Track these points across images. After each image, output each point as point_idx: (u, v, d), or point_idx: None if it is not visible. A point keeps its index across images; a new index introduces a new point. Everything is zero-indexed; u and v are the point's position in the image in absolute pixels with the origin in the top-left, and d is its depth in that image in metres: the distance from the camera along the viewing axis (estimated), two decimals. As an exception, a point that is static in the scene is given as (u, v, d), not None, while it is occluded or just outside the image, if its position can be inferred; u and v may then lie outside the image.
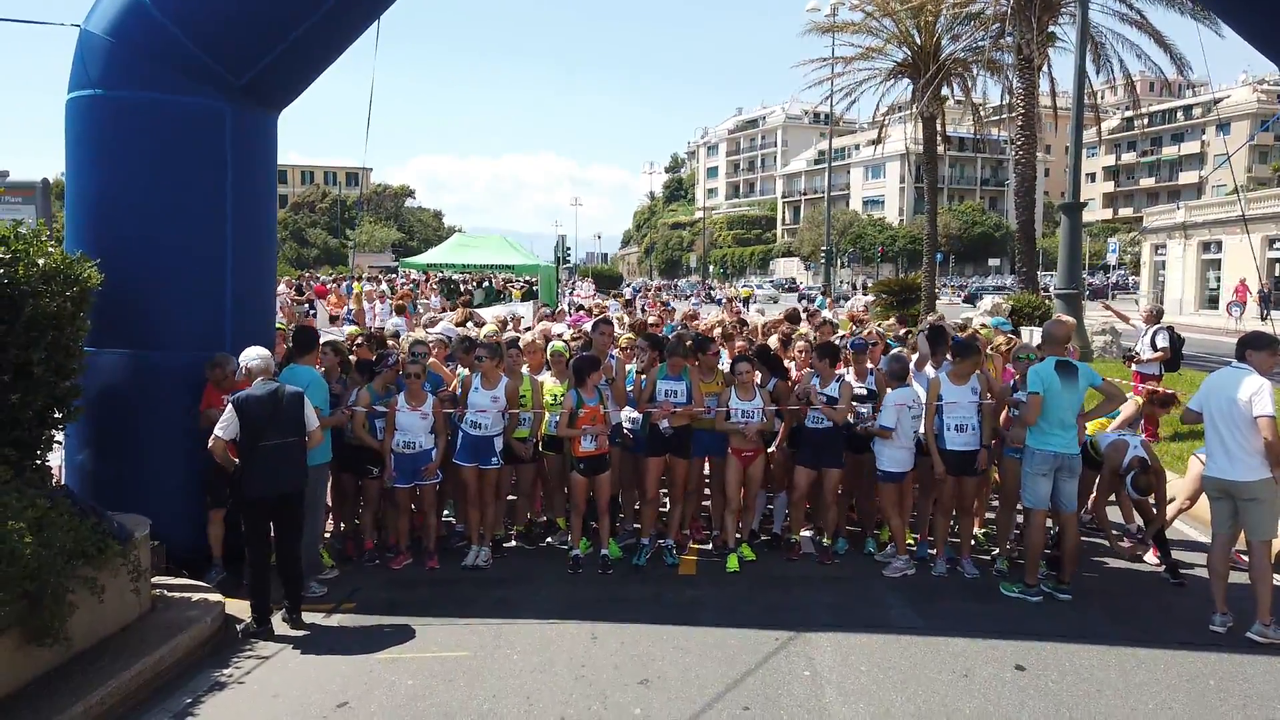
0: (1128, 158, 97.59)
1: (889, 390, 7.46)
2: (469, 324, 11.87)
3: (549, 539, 8.33)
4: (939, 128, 33.70)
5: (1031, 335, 14.48)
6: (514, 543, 8.27)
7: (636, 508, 8.25)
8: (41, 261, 5.89)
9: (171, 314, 7.03)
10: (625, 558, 7.75)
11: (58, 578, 5.06)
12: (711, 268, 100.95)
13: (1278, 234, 36.57)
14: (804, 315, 12.47)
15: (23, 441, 5.91)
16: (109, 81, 6.95)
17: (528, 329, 11.10)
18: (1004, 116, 34.47)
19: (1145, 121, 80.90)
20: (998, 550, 7.75)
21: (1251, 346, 6.29)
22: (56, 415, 6.24)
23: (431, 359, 8.14)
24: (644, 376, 7.92)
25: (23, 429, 5.92)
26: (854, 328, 11.95)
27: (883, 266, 79.32)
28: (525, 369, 8.06)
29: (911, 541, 7.87)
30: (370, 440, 7.44)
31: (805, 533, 8.07)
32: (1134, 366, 12.42)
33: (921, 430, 7.45)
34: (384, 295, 24.71)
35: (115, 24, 6.89)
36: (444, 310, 18.28)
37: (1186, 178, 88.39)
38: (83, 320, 6.22)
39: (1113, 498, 8.04)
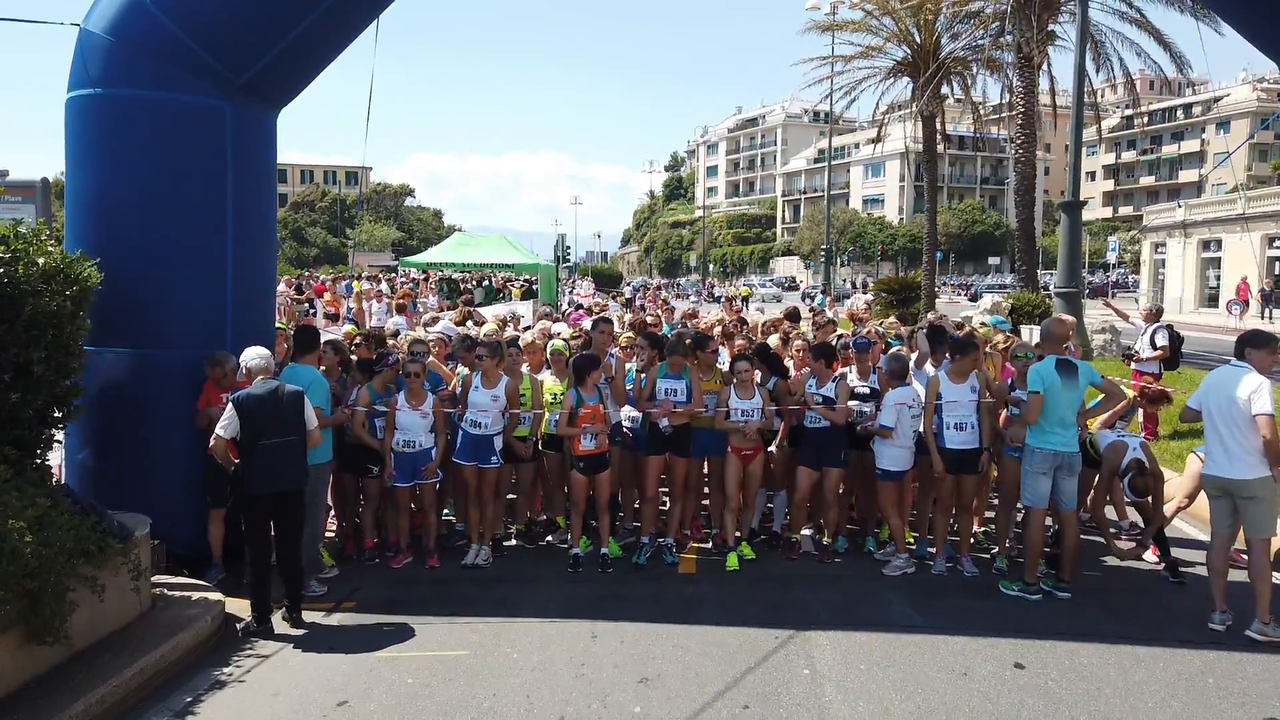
0: (1128, 156, 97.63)
1: (889, 389, 7.46)
2: (469, 323, 11.87)
3: (549, 538, 8.33)
4: (939, 126, 33.71)
5: (1031, 334, 14.48)
6: (514, 541, 8.28)
7: (636, 506, 8.26)
8: (41, 261, 5.89)
9: (172, 313, 7.03)
10: (625, 556, 7.75)
11: (58, 576, 5.07)
12: (711, 267, 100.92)
13: (1277, 232, 36.58)
14: (810, 314, 12.49)
15: (23, 440, 5.91)
16: (109, 80, 6.95)
17: (527, 328, 11.10)
18: (1004, 115, 34.48)
19: (1145, 120, 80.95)
20: (997, 549, 7.76)
21: (1251, 345, 6.30)
22: (57, 414, 6.24)
23: (431, 358, 8.15)
24: (643, 375, 7.92)
25: (23, 428, 5.92)
26: (854, 327, 11.95)
27: (882, 265, 79.31)
28: (525, 368, 8.07)
29: (911, 540, 7.88)
30: (370, 439, 7.45)
31: (805, 531, 8.07)
32: (1133, 365, 12.42)
33: (921, 429, 7.45)
34: (381, 294, 24.71)
35: (115, 23, 6.89)
36: (442, 309, 18.28)
37: (1186, 176, 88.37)
38: (83, 319, 6.23)
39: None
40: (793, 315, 11.24)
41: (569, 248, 53.69)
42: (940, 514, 7.60)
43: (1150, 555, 7.66)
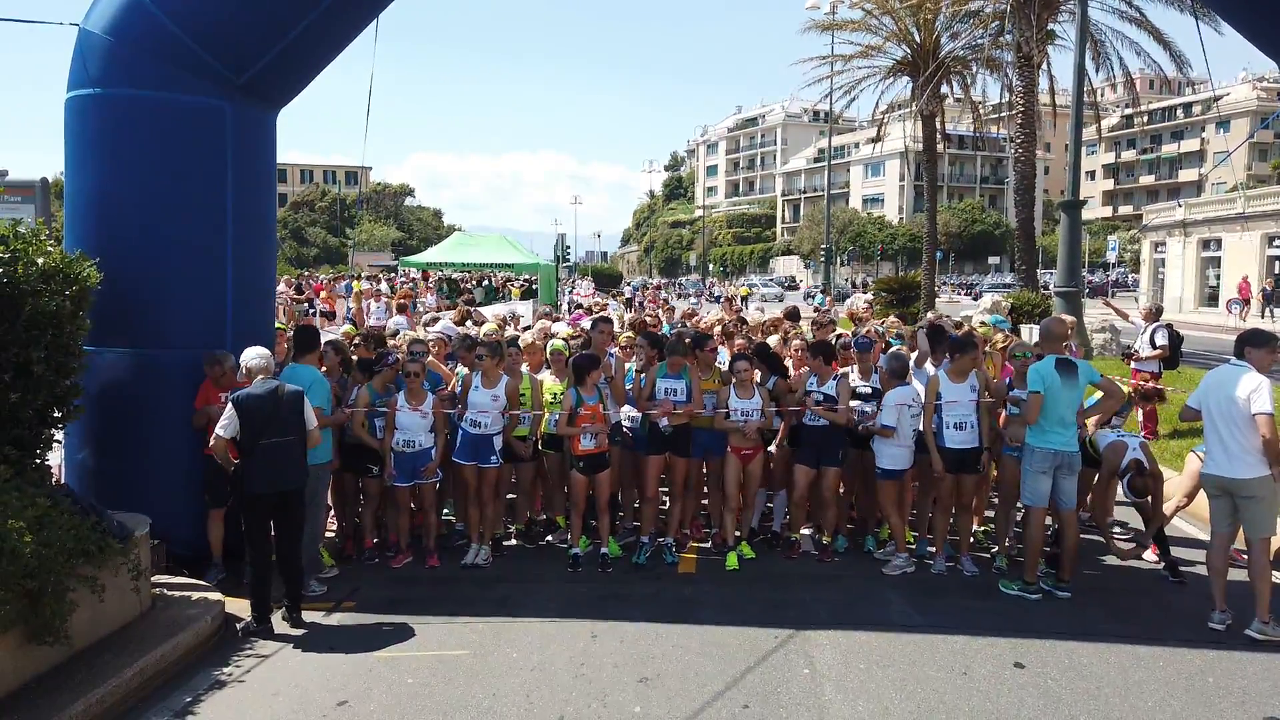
0: (1127, 155, 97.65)
1: (889, 389, 7.46)
2: (468, 323, 11.87)
3: (549, 537, 8.33)
4: (938, 126, 33.72)
5: (1031, 333, 14.48)
6: (514, 541, 8.28)
7: (636, 506, 8.26)
8: (41, 261, 5.89)
9: (172, 312, 7.03)
10: (625, 556, 7.75)
11: (58, 576, 5.07)
12: (711, 266, 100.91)
13: (1277, 231, 36.58)
14: (814, 313, 12.49)
15: (23, 440, 5.92)
16: (108, 80, 6.95)
17: (526, 328, 11.10)
18: (1003, 114, 34.52)
19: (1145, 119, 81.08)
20: (997, 548, 7.76)
21: (1250, 344, 6.30)
22: (56, 414, 6.24)
23: (431, 358, 8.15)
24: (643, 375, 7.92)
25: (23, 428, 5.92)
26: (854, 326, 11.96)
27: (882, 265, 79.30)
28: (525, 368, 8.07)
29: (911, 539, 7.88)
30: (370, 439, 7.45)
31: (804, 531, 8.07)
32: (1133, 364, 12.42)
33: (920, 428, 7.45)
34: (380, 294, 24.72)
35: (115, 22, 6.89)
36: (440, 309, 18.30)
37: (1186, 175, 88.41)
38: (82, 319, 6.23)
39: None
40: (792, 315, 11.24)
41: (569, 247, 53.72)
42: (940, 513, 7.60)
43: (1150, 555, 7.66)
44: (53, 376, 5.99)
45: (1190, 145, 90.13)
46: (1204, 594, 6.47)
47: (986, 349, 8.72)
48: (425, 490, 7.66)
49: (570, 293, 37.43)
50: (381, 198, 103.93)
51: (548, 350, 8.20)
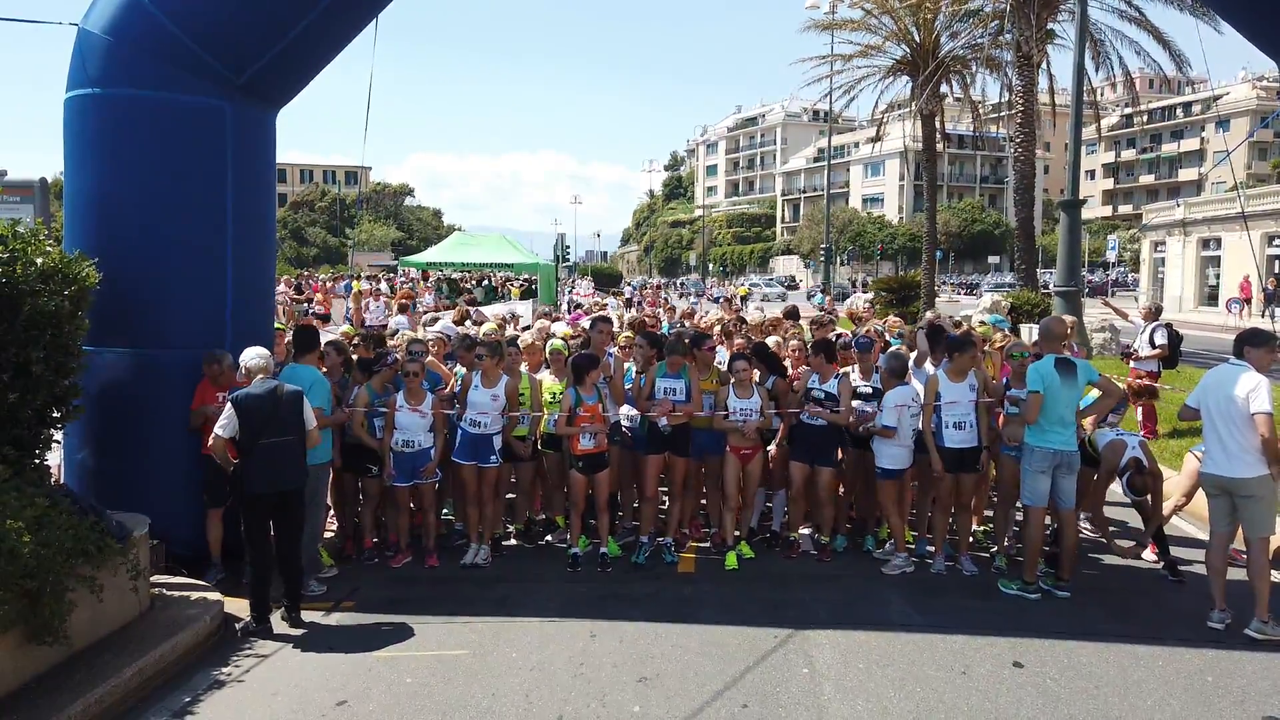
0: (1127, 155, 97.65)
1: (889, 390, 7.46)
2: (467, 322, 11.87)
3: (548, 537, 8.34)
4: (938, 125, 33.72)
5: (1031, 333, 14.48)
6: (513, 541, 8.28)
7: (635, 506, 8.26)
8: (39, 261, 5.89)
9: (172, 312, 7.03)
10: (624, 556, 7.75)
11: (57, 576, 5.07)
12: (711, 266, 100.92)
13: (1277, 231, 36.57)
14: (820, 312, 12.49)
15: (22, 440, 5.92)
16: (108, 80, 6.95)
17: (526, 328, 11.10)
18: (1003, 114, 34.52)
19: (1145, 118, 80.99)
20: (996, 548, 7.76)
21: (1249, 343, 6.30)
22: (55, 414, 6.24)
23: (431, 357, 8.15)
24: (642, 375, 7.92)
25: (22, 428, 5.92)
26: (854, 326, 11.96)
27: (882, 264, 79.30)
28: (524, 367, 8.07)
29: (910, 539, 7.88)
30: (369, 439, 7.45)
31: (803, 530, 8.07)
32: (1132, 363, 12.42)
33: (919, 428, 7.45)
34: (380, 294, 24.74)
35: (114, 22, 6.89)
36: (438, 309, 18.31)
37: (1186, 174, 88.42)
38: (81, 319, 6.22)
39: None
40: (791, 313, 11.24)
41: (568, 247, 53.74)
42: (939, 513, 7.60)
43: (1149, 554, 7.67)
44: (52, 376, 5.99)
45: (1190, 144, 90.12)
46: (1203, 593, 6.47)
47: (985, 349, 8.72)
48: (424, 490, 7.65)
49: (570, 292, 37.44)
50: (381, 198, 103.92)
51: (547, 350, 8.20)
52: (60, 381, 6.12)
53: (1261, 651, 5.87)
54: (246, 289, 7.42)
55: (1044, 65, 27.44)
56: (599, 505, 7.57)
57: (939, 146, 34.79)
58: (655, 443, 7.61)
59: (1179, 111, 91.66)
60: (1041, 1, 25.06)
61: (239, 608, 6.35)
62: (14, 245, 5.83)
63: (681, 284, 76.82)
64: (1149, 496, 7.38)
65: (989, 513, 8.37)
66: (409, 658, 5.85)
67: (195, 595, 6.45)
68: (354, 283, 31.25)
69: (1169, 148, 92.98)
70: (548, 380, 7.97)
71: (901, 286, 29.59)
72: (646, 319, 12.05)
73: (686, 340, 7.91)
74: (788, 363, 8.52)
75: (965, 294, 57.29)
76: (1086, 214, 61.41)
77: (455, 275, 32.41)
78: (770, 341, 8.91)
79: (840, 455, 7.95)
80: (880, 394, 7.58)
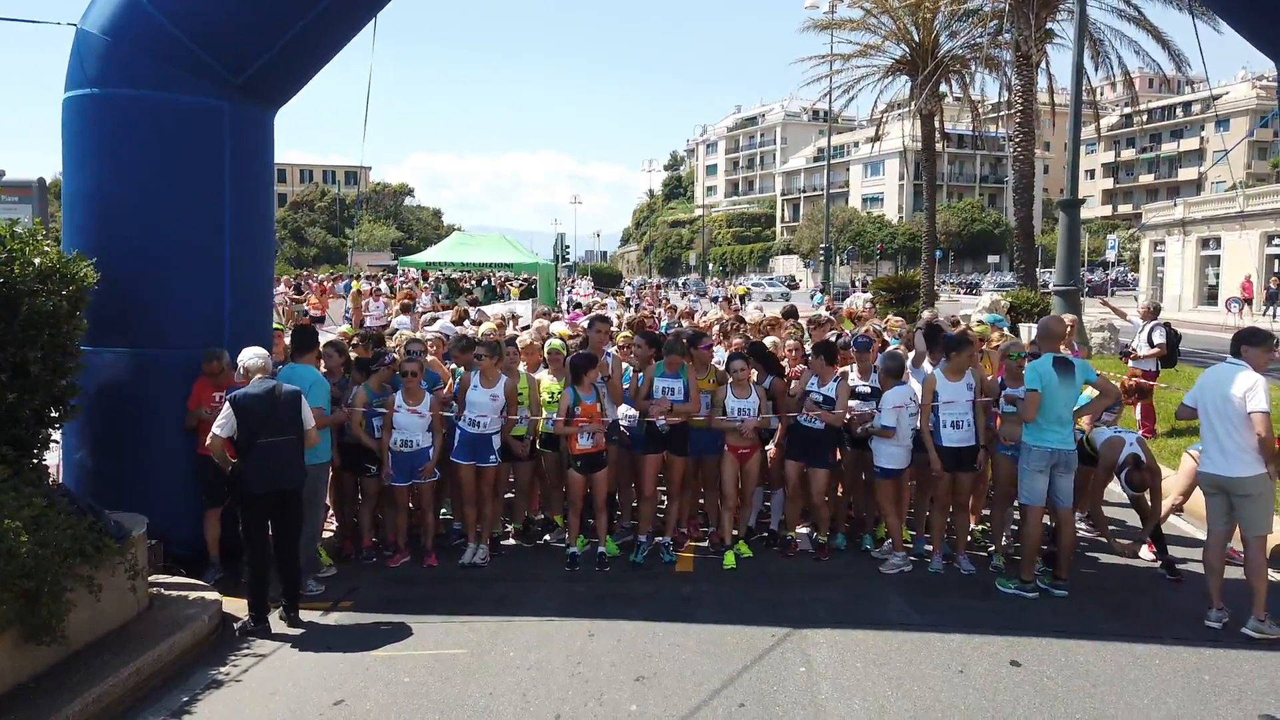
0: (1127, 154, 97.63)
1: (887, 390, 7.46)
2: (466, 322, 11.88)
3: (546, 537, 8.34)
4: (937, 125, 33.73)
5: (1030, 332, 14.48)
6: (511, 540, 8.28)
7: (634, 505, 8.27)
8: (38, 261, 5.89)
9: (170, 312, 7.03)
10: (623, 555, 7.76)
11: (55, 576, 5.07)
12: (711, 266, 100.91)
13: (1276, 230, 36.57)
14: (826, 311, 12.47)
15: (20, 440, 5.92)
16: (106, 80, 6.95)
17: (525, 328, 11.11)
18: (1002, 113, 34.52)
19: (1144, 118, 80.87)
20: (994, 547, 7.76)
21: (1247, 342, 6.30)
22: (54, 414, 6.25)
23: (431, 357, 8.15)
24: (640, 374, 7.92)
25: (20, 428, 5.93)
26: (854, 326, 11.95)
27: (882, 264, 79.29)
28: (522, 367, 8.07)
29: (908, 538, 7.88)
30: (367, 439, 7.45)
31: (801, 530, 8.08)
32: (1131, 363, 12.43)
33: (918, 427, 7.45)
34: (380, 294, 24.75)
35: (112, 22, 6.89)
36: (436, 309, 18.31)
37: (1186, 174, 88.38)
38: (79, 319, 6.23)
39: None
40: (790, 313, 11.24)
41: (568, 247, 53.73)
42: (937, 512, 7.60)
43: (1147, 553, 7.67)
44: (50, 376, 6.00)
45: (1190, 144, 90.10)
46: (1200, 592, 6.48)
47: (984, 348, 8.72)
48: (423, 489, 7.66)
49: (570, 292, 37.45)
50: (381, 198, 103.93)
51: (545, 350, 8.21)
52: (58, 381, 6.13)
53: (1258, 650, 5.88)
54: (245, 289, 7.42)
55: (1043, 65, 27.45)
56: (597, 505, 7.58)
57: (938, 146, 34.80)
58: (653, 442, 7.62)
59: (1178, 111, 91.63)
60: (1040, 1, 25.06)
61: (237, 607, 6.36)
62: (12, 245, 5.84)
63: (684, 283, 76.71)
64: (1147, 493, 7.38)
65: (986, 512, 8.38)
66: (407, 657, 5.85)
67: (193, 595, 6.45)
68: (353, 283, 31.26)
69: (1169, 147, 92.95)
70: (546, 380, 7.97)
71: (901, 286, 29.55)
72: (645, 318, 12.05)
73: (684, 340, 7.91)
74: (785, 363, 8.52)
75: (965, 293, 57.28)
76: (1086, 213, 61.43)
77: (455, 275, 32.42)
78: (768, 341, 8.92)
79: (839, 455, 7.95)
80: (878, 394, 7.59)
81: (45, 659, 5.21)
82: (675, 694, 5.33)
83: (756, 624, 6.29)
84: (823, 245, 49.41)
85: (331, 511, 8.08)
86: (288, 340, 7.92)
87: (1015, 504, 7.39)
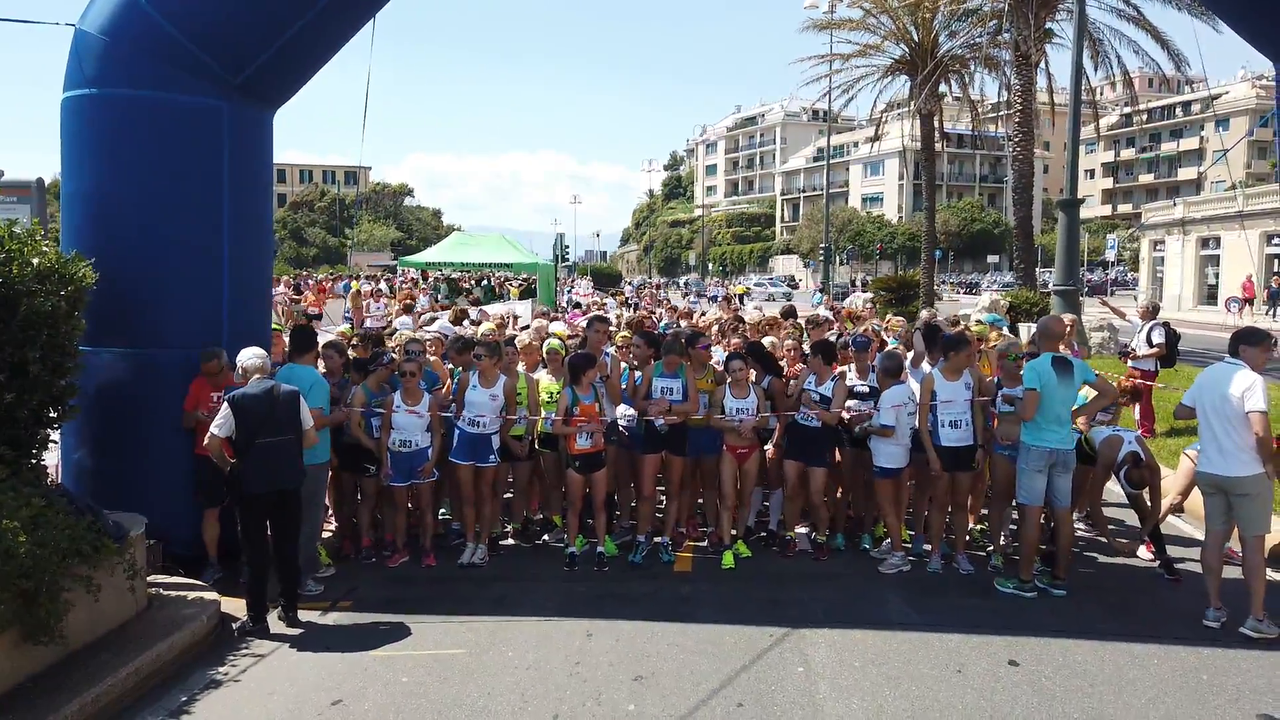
0: (1127, 154, 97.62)
1: (885, 389, 7.46)
2: (465, 322, 11.88)
3: (545, 537, 8.34)
4: (937, 124, 33.71)
5: (1030, 332, 14.48)
6: (510, 540, 8.28)
7: (633, 505, 8.27)
8: (36, 261, 5.90)
9: (169, 312, 7.04)
10: (621, 555, 7.76)
11: (53, 576, 5.08)
12: (710, 265, 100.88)
13: (1276, 230, 36.57)
14: (829, 310, 12.44)
15: (19, 440, 5.93)
16: (104, 80, 6.95)
17: (525, 328, 11.11)
18: (1002, 113, 34.51)
19: (1144, 117, 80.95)
20: (993, 546, 7.76)
21: (1245, 342, 6.30)
22: (52, 414, 6.25)
23: (432, 357, 8.15)
24: (639, 374, 7.93)
25: (19, 428, 5.93)
26: (853, 325, 11.96)
27: (881, 263, 79.29)
28: (521, 367, 8.07)
29: (907, 538, 7.88)
30: (365, 439, 7.45)
31: (800, 530, 8.08)
32: (1130, 363, 12.44)
33: (916, 426, 7.45)
34: (380, 294, 24.75)
35: (110, 23, 6.90)
36: (434, 309, 18.31)
37: (1186, 174, 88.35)
38: (78, 319, 6.23)
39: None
40: (788, 312, 11.24)
41: (568, 247, 53.71)
42: (936, 511, 7.61)
43: (1145, 552, 7.67)
44: (48, 376, 6.00)
45: (1190, 143, 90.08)
46: (1199, 592, 6.48)
47: (982, 348, 8.72)
48: (422, 489, 7.66)
49: (570, 292, 37.45)
50: (380, 198, 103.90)
51: (544, 349, 8.21)
52: (57, 381, 6.13)
53: (1256, 650, 5.88)
54: (243, 289, 7.43)
55: (1043, 64, 27.46)
56: (596, 505, 7.58)
57: (938, 146, 34.78)
58: (652, 442, 7.62)
59: (1178, 110, 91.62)
60: (1039, 1, 25.06)
61: (236, 607, 6.36)
62: (11, 245, 5.84)
63: (686, 283, 76.62)
64: (1146, 492, 7.39)
65: (985, 511, 8.38)
66: (405, 657, 5.85)
67: (192, 595, 6.45)
68: (353, 283, 31.26)
69: (1168, 147, 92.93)
70: (544, 380, 7.97)
71: (901, 286, 29.53)
72: (644, 318, 12.05)
73: (682, 340, 7.91)
74: (784, 363, 8.52)
75: (965, 293, 57.28)
76: (1086, 213, 61.41)
77: (454, 276, 32.41)
78: (766, 341, 8.92)
79: (837, 455, 7.95)
80: (877, 393, 7.59)
81: (44, 659, 5.21)
82: (673, 694, 5.33)
83: (755, 624, 6.29)
84: (822, 245, 49.39)
85: (330, 511, 8.08)
86: (286, 340, 7.92)
87: (1014, 503, 7.39)
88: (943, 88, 32.90)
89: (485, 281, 31.62)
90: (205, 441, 6.23)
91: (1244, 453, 6.03)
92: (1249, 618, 6.07)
